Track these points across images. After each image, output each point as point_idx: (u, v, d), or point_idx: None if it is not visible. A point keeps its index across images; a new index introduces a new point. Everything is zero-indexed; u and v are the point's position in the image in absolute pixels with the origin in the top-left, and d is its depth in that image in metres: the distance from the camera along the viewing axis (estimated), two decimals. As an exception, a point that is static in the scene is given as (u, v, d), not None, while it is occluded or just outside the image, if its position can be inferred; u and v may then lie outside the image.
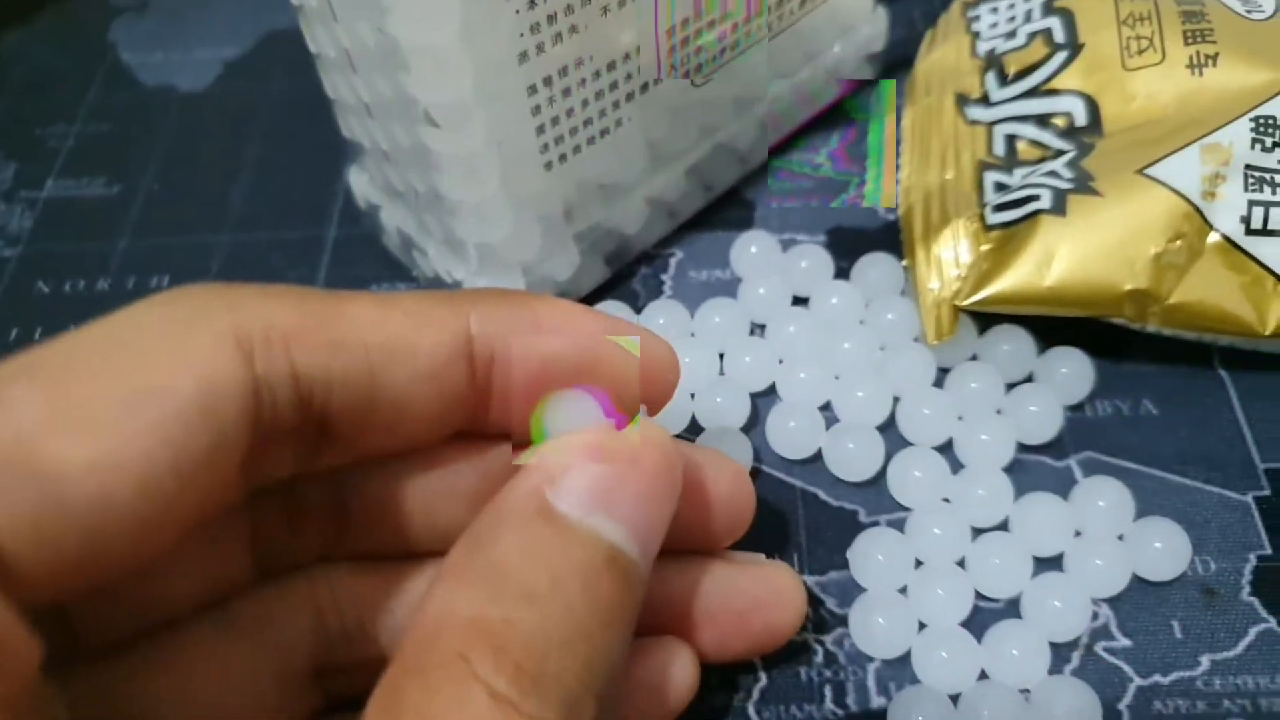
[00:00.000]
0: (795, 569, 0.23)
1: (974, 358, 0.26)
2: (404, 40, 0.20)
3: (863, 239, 0.29)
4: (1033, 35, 0.28)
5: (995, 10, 0.30)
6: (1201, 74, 0.25)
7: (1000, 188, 0.26)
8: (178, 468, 0.14)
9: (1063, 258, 0.24)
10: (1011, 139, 0.27)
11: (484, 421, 0.18)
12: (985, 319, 0.26)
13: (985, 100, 0.28)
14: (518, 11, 0.21)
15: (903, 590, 0.22)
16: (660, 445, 0.17)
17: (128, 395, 0.14)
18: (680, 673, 0.19)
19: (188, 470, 0.14)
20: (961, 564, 0.23)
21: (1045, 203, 0.25)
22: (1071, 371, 0.25)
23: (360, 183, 0.29)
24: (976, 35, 0.30)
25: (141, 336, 0.15)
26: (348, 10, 0.22)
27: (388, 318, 0.17)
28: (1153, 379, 0.26)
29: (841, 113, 0.32)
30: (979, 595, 0.22)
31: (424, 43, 0.20)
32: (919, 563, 0.23)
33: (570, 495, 0.16)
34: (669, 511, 0.17)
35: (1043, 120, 0.27)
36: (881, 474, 0.24)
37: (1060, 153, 0.26)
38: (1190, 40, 0.26)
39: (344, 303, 0.17)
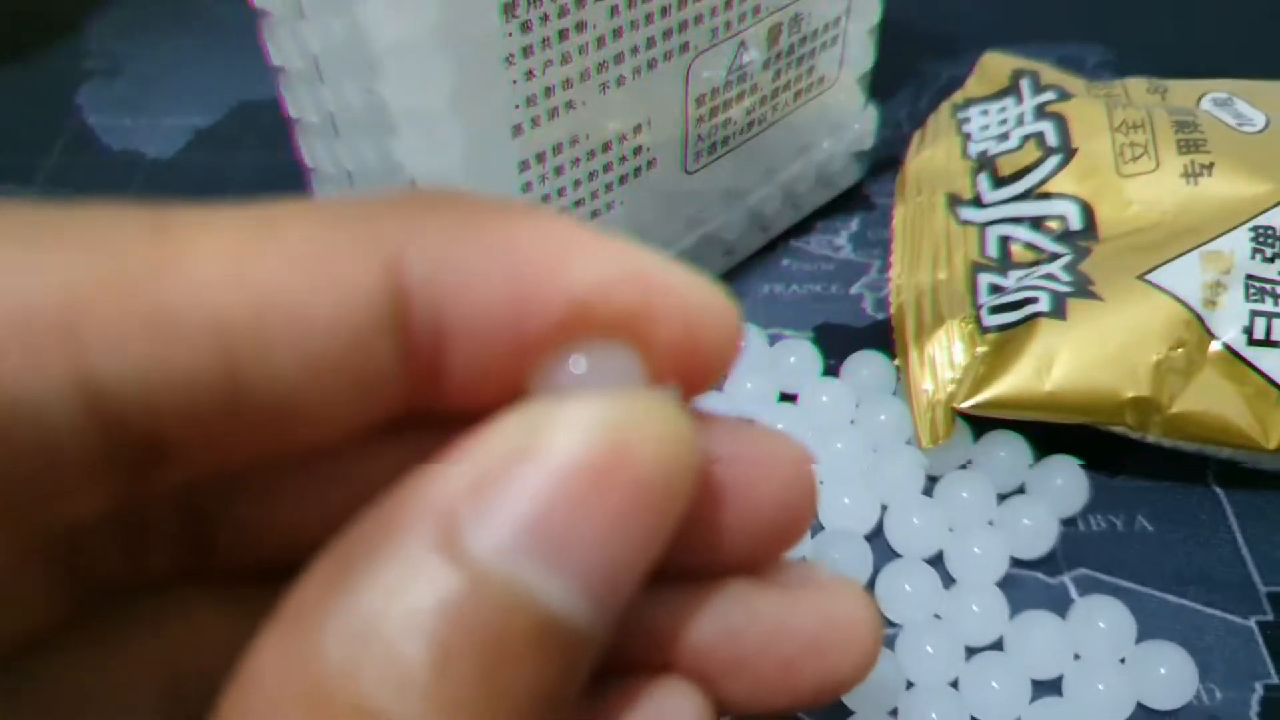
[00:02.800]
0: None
1: (967, 463, 0.25)
2: (393, 104, 0.19)
3: (851, 336, 0.28)
4: (1025, 138, 0.28)
5: (986, 113, 0.30)
6: (1197, 183, 0.25)
7: (995, 289, 0.25)
8: None
9: (1063, 362, 0.23)
10: (1005, 240, 0.27)
11: (433, 397, 0.12)
12: (978, 424, 0.25)
13: (978, 201, 0.28)
14: (514, 82, 0.20)
15: (893, 714, 0.21)
16: (671, 441, 0.11)
17: None
18: None
19: None
20: (955, 685, 0.21)
21: (1044, 305, 0.24)
22: (1066, 483, 0.24)
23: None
24: (968, 136, 0.30)
25: None
26: (335, 71, 0.21)
27: (256, 267, 0.10)
28: (1147, 494, 0.25)
29: (861, 194, 0.32)
30: (974, 720, 0.21)
31: (414, 107, 0.19)
32: (910, 684, 0.21)
33: (494, 524, 0.10)
34: (661, 541, 0.11)
35: (1037, 223, 0.26)
36: (868, 586, 0.23)
37: (1055, 256, 0.26)
38: (1184, 149, 0.26)
39: (179, 244, 0.10)
